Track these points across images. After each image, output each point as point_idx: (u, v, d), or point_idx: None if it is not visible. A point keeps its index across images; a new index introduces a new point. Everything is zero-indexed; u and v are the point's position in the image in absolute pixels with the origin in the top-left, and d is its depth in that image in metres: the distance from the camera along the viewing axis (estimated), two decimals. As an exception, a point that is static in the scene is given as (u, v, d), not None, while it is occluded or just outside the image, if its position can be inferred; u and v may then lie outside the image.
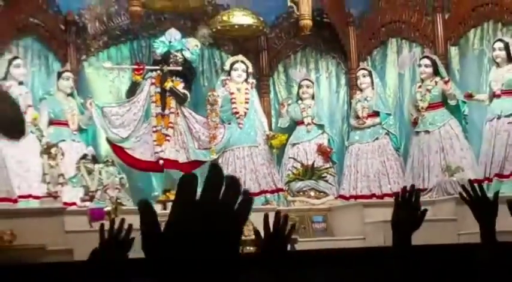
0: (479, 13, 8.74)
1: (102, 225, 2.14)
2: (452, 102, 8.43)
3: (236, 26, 8.88)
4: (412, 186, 2.25)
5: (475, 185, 2.40)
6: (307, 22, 8.39)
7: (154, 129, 8.33)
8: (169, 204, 7.94)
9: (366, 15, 9.51)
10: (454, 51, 8.99)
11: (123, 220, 2.18)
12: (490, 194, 2.43)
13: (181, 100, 8.42)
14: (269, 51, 9.53)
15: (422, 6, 9.16)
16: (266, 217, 2.37)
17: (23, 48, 8.64)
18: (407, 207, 2.16)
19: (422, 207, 2.19)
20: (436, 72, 8.56)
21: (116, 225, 2.17)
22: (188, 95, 8.50)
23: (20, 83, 8.13)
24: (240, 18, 8.82)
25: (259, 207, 8.04)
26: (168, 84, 8.34)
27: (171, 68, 8.36)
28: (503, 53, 8.10)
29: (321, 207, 8.25)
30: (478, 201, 2.32)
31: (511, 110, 7.94)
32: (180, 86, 8.41)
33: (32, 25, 8.48)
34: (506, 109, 8.00)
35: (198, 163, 8.52)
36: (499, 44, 8.16)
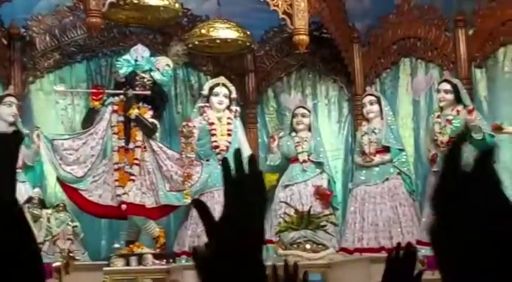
0: (510, 29, 8.86)
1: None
2: (477, 136, 8.49)
3: (217, 41, 8.94)
4: (408, 243, 2.27)
5: None
6: (302, 38, 8.47)
7: (116, 166, 8.34)
8: (133, 259, 7.95)
9: (373, 31, 9.62)
10: (479, 74, 9.09)
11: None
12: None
13: (149, 131, 8.45)
14: (257, 73, 9.60)
15: (441, 20, 9.27)
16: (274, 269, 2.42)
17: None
18: (399, 269, 2.18)
19: (417, 270, 2.21)
20: (458, 100, 8.63)
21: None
22: (158, 125, 8.53)
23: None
24: (223, 31, 8.88)
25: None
26: (134, 112, 8.37)
27: (137, 92, 8.39)
28: (538, 77, 8.21)
29: (319, 263, 8.24)
30: None
31: (549, 146, 8.01)
32: (147, 114, 8.43)
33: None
34: (543, 144, 8.08)
35: (169, 208, 8.52)
36: (534, 66, 8.27)
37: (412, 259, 2.15)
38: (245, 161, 1.42)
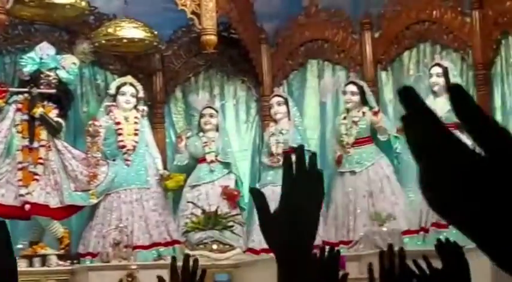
0: (415, 32, 9.04)
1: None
2: (382, 138, 8.63)
3: (124, 40, 8.87)
4: (332, 247, 2.29)
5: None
6: (210, 38, 8.47)
7: (19, 166, 8.21)
8: (37, 260, 7.83)
9: (281, 32, 9.68)
10: (385, 76, 9.25)
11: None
12: (426, 247, 2.49)
13: (54, 130, 8.34)
14: (165, 73, 9.55)
15: (347, 22, 9.40)
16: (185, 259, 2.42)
17: None
18: (323, 270, 2.19)
19: (342, 272, 2.22)
20: (364, 101, 8.76)
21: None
22: (63, 124, 8.43)
23: None
24: (130, 30, 8.83)
25: (149, 263, 7.99)
26: (38, 111, 8.25)
27: (42, 90, 8.28)
28: (441, 80, 8.37)
29: (226, 263, 8.26)
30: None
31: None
32: (52, 113, 8.33)
33: None
34: (445, 146, 8.24)
35: (74, 208, 8.43)
36: (437, 70, 8.43)
37: (336, 260, 2.16)
38: (300, 158, 1.48)
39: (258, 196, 1.51)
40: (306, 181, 1.51)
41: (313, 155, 1.55)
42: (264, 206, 1.48)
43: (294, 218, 1.49)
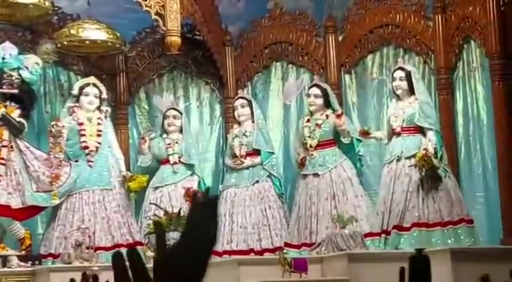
0: (378, 36, 9.09)
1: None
2: (345, 140, 8.66)
3: (87, 42, 8.84)
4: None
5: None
6: (174, 39, 8.45)
7: (-20, 166, 8.15)
8: (-2, 261, 7.75)
9: (246, 34, 9.69)
10: (349, 79, 9.29)
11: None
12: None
13: (16, 131, 8.29)
14: (128, 74, 9.51)
15: (311, 25, 9.44)
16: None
17: None
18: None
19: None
20: (328, 104, 8.79)
21: None
22: (25, 124, 8.38)
23: None
24: (92, 32, 8.79)
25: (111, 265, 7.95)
26: (0, 111, 8.21)
27: (5, 90, 8.24)
28: (404, 84, 8.42)
29: (188, 265, 8.23)
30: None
31: (413, 151, 8.24)
32: (15, 113, 8.28)
33: None
34: (407, 150, 8.29)
35: (36, 209, 8.38)
36: (400, 73, 8.48)
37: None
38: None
39: (161, 236, 1.56)
40: (201, 227, 1.54)
41: (213, 202, 1.59)
42: (163, 245, 1.50)
43: (184, 262, 1.52)
